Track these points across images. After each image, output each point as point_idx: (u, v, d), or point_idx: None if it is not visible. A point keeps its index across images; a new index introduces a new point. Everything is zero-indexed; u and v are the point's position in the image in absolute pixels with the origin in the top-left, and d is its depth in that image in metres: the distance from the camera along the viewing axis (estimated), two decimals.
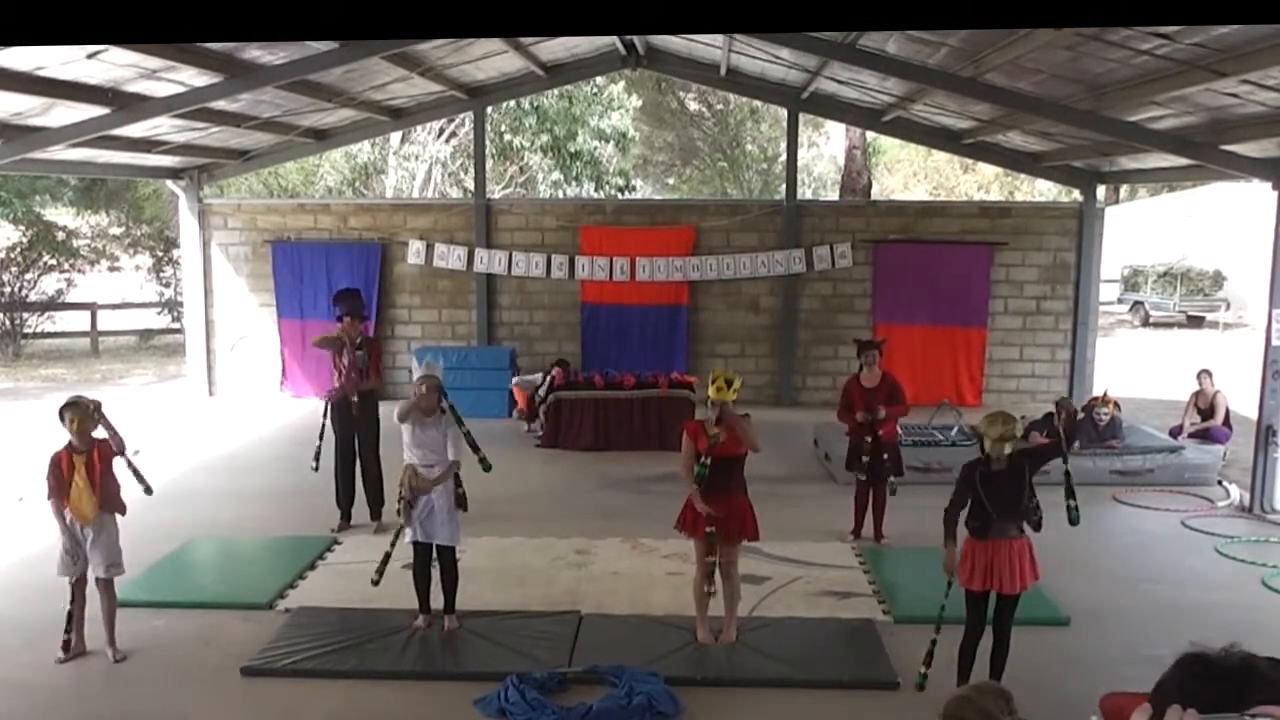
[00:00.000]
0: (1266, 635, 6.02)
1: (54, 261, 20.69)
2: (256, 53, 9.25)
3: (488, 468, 6.58)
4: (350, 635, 6.29)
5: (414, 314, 14.61)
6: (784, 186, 15.02)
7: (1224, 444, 10.96)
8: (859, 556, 7.93)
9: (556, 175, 22.32)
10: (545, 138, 21.43)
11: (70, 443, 5.92)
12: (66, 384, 16.17)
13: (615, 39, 12.96)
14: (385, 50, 9.74)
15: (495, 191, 20.85)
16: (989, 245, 14.05)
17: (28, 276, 20.30)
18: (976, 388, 14.17)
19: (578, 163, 21.93)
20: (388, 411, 7.13)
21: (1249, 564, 7.83)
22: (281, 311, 14.47)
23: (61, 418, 5.90)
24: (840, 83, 12.53)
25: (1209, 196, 26.78)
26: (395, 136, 21.03)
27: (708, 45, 12.67)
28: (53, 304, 20.48)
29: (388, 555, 6.49)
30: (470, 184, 18.85)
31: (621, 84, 21.96)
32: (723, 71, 13.87)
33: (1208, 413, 11.29)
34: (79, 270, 21.37)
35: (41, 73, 8.32)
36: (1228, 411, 11.29)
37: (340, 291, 9.10)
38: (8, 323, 19.97)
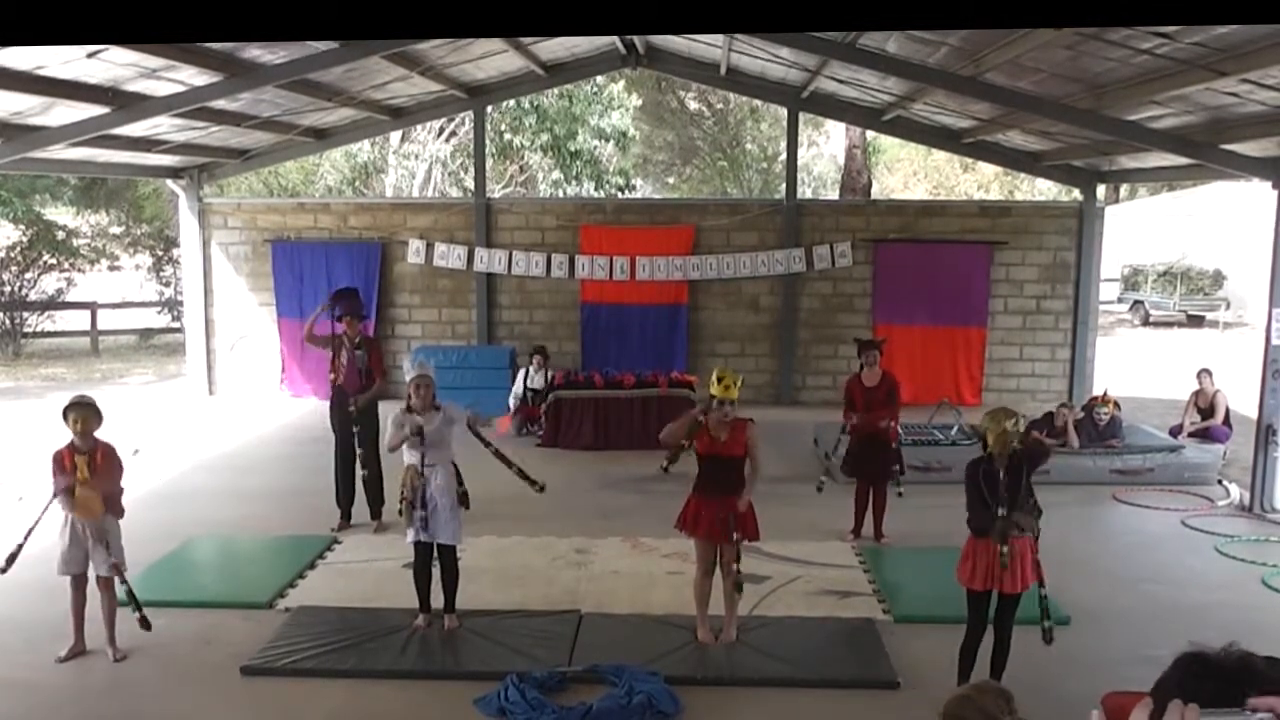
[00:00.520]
0: (1266, 635, 6.02)
1: (54, 261, 20.70)
2: (256, 52, 9.25)
3: (540, 488, 6.95)
4: (350, 634, 6.29)
5: (414, 313, 14.61)
6: (784, 186, 15.02)
7: (1224, 443, 10.95)
8: (859, 556, 7.93)
9: (556, 174, 22.34)
10: (545, 137, 21.43)
11: (73, 442, 5.92)
12: (67, 383, 16.17)
13: (615, 39, 12.96)
14: (385, 50, 9.73)
15: (495, 191, 20.85)
16: (989, 245, 14.05)
17: (28, 276, 20.30)
18: (976, 387, 14.17)
19: (578, 162, 21.94)
20: (387, 412, 7.13)
21: (1249, 563, 7.83)
22: (281, 311, 14.46)
23: (65, 417, 5.90)
24: (840, 82, 12.53)
25: (1209, 196, 26.77)
26: (395, 136, 21.03)
27: (708, 45, 12.67)
28: (53, 303, 20.47)
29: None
30: (470, 183, 18.85)
31: (621, 83, 21.97)
32: (723, 71, 13.86)
33: (1208, 412, 11.29)
34: (79, 269, 21.37)
35: (41, 72, 8.32)
36: (1228, 411, 11.29)
37: (338, 291, 9.04)
38: (8, 322, 19.97)
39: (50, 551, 6.09)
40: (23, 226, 20.59)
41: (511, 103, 19.81)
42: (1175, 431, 11.28)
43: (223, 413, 13.72)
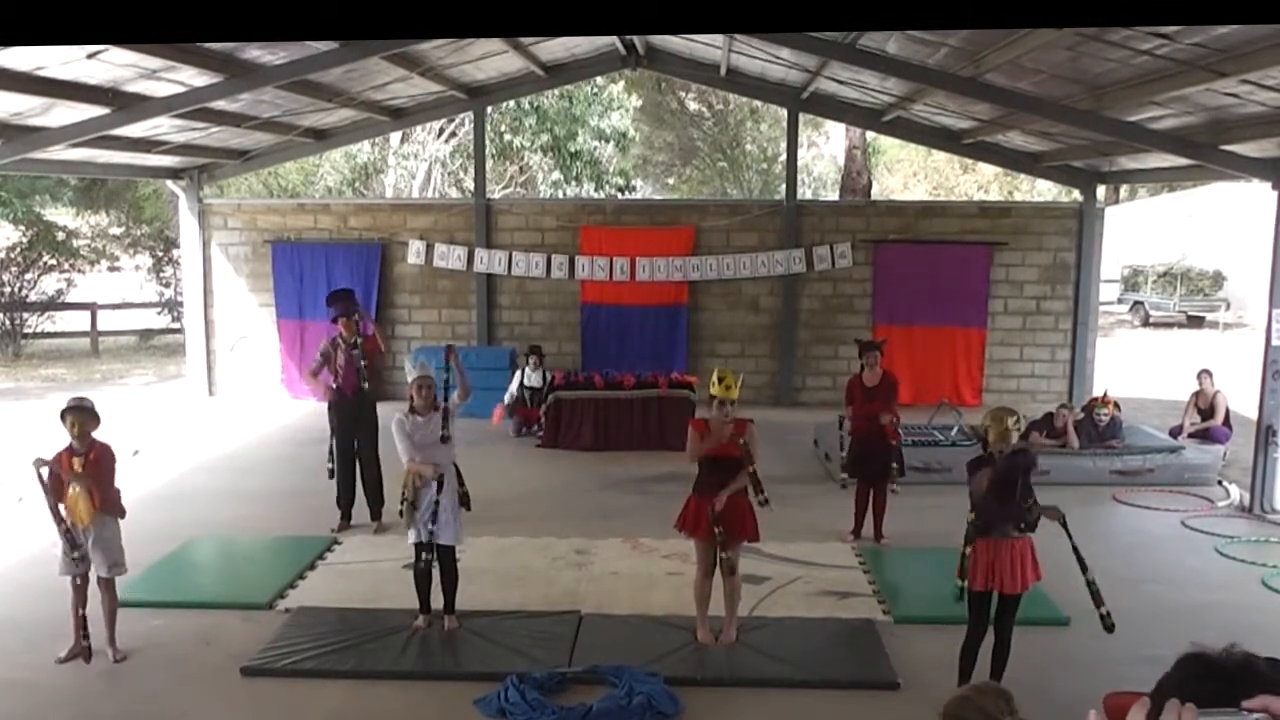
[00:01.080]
0: (1266, 635, 6.03)
1: (54, 261, 20.71)
2: (256, 53, 9.25)
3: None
4: (350, 635, 6.29)
5: (414, 314, 14.61)
6: (784, 186, 15.02)
7: (1224, 444, 10.95)
8: (859, 556, 7.92)
9: (556, 175, 22.33)
10: (545, 138, 21.44)
11: (70, 444, 5.92)
12: (67, 384, 16.17)
13: (615, 39, 12.96)
14: (385, 50, 9.73)
15: (495, 191, 20.85)
16: (989, 245, 14.05)
17: (28, 276, 20.32)
18: (976, 388, 14.17)
19: (578, 163, 21.94)
20: (387, 412, 7.13)
21: (1249, 564, 7.83)
22: (281, 312, 14.47)
23: (63, 419, 5.90)
24: (840, 83, 12.53)
25: (1209, 196, 26.78)
26: (395, 136, 21.03)
27: (708, 45, 12.67)
28: (53, 304, 20.48)
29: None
30: (470, 184, 18.85)
31: (621, 84, 21.97)
32: (723, 71, 13.87)
33: (1208, 413, 11.28)
34: (79, 270, 21.38)
35: (41, 73, 8.32)
36: (1228, 411, 11.28)
37: (332, 293, 9.00)
38: (8, 323, 19.98)
39: (50, 552, 6.09)
40: (23, 227, 20.60)
41: (511, 103, 19.81)
42: (1175, 432, 11.27)
43: (223, 414, 13.72)
